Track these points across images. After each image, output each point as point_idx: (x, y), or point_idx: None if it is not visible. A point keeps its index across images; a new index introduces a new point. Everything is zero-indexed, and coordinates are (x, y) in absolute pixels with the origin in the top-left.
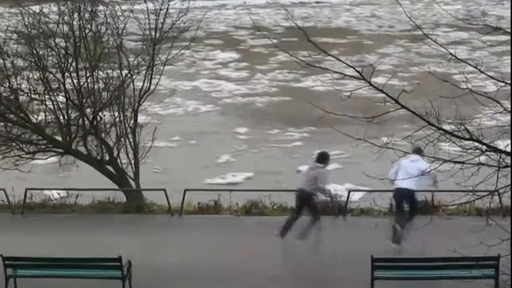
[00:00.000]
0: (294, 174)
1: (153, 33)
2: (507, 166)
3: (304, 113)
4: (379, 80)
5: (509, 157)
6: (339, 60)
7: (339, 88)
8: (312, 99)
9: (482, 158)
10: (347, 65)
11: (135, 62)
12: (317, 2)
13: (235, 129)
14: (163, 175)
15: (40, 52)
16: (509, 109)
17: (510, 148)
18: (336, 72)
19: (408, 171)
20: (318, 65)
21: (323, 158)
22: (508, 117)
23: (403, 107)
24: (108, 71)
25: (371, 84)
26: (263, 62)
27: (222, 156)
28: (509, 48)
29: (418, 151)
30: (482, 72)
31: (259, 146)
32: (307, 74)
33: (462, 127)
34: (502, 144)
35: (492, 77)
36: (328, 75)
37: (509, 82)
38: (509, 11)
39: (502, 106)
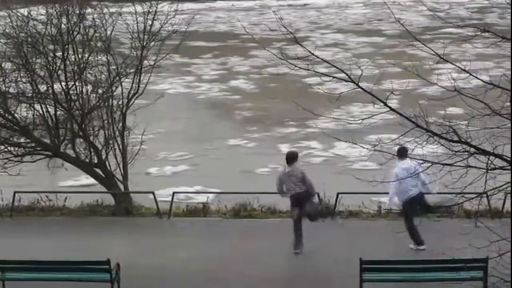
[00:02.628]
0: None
1: (141, 35)
2: (495, 168)
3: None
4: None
5: (497, 159)
6: (327, 62)
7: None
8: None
9: (471, 160)
10: (336, 67)
11: (124, 64)
12: (304, 5)
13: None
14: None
15: (28, 55)
16: (497, 111)
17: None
18: (324, 75)
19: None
20: (306, 67)
21: (295, 157)
22: (496, 119)
23: (391, 109)
24: (97, 73)
25: (359, 87)
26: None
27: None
28: None
29: (403, 153)
30: (470, 74)
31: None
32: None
33: (451, 129)
34: (490, 146)
35: (481, 79)
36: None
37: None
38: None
39: (490, 108)
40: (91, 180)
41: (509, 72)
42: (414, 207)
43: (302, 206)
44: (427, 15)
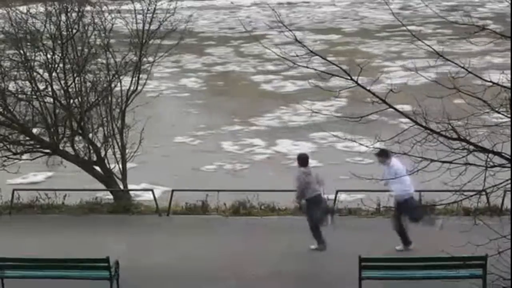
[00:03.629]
0: None
1: (140, 33)
2: (494, 166)
3: None
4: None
5: (496, 157)
6: (326, 60)
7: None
8: None
9: (470, 158)
10: (334, 64)
11: (123, 62)
12: (305, 2)
13: None
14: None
15: (27, 53)
16: (496, 109)
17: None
18: (323, 72)
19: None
20: (305, 65)
21: (308, 160)
22: (495, 117)
23: (390, 106)
24: (96, 71)
25: (358, 84)
26: None
27: None
28: None
29: (385, 155)
30: (469, 72)
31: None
32: None
33: (450, 126)
34: (489, 143)
35: (480, 77)
36: None
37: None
38: None
39: (489, 106)
40: (39, 177)
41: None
42: (408, 207)
43: (319, 208)
44: (395, 13)
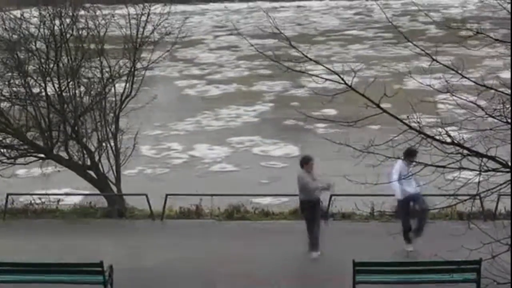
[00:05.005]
0: None
1: (134, 37)
2: (488, 170)
3: None
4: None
5: (490, 161)
6: (320, 64)
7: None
8: None
9: (463, 162)
10: (328, 69)
11: (117, 66)
12: (298, 7)
13: None
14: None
15: (21, 57)
16: (491, 113)
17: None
18: (317, 77)
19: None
20: (299, 69)
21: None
22: (488, 121)
23: (384, 111)
24: (90, 75)
25: (352, 89)
26: None
27: None
28: None
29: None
30: (463, 76)
31: None
32: None
33: (443, 131)
34: (483, 148)
35: (474, 82)
36: None
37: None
38: None
39: (483, 110)
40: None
41: (501, 74)
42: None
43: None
44: (343, 18)
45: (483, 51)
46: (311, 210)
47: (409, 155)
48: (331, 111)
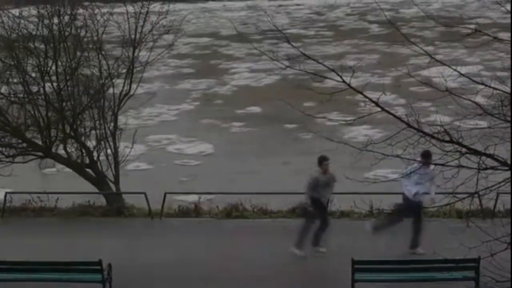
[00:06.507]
0: None
1: (132, 36)
2: (486, 168)
3: None
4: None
5: (488, 159)
6: (318, 62)
7: None
8: None
9: (462, 160)
10: (327, 67)
11: (115, 65)
12: (297, 5)
13: None
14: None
15: (20, 55)
16: (489, 112)
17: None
18: (315, 75)
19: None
20: (298, 67)
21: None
22: (487, 119)
23: (383, 109)
24: (88, 74)
25: (350, 87)
26: None
27: None
28: None
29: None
30: (461, 74)
31: None
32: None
33: (442, 129)
34: (482, 146)
35: (472, 79)
36: None
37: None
38: None
39: (482, 108)
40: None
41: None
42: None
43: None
44: (294, 17)
45: (409, 50)
46: (321, 209)
47: (425, 157)
48: (256, 109)
